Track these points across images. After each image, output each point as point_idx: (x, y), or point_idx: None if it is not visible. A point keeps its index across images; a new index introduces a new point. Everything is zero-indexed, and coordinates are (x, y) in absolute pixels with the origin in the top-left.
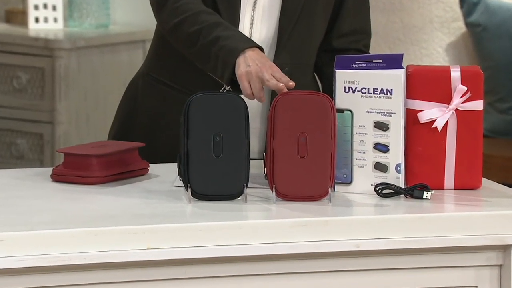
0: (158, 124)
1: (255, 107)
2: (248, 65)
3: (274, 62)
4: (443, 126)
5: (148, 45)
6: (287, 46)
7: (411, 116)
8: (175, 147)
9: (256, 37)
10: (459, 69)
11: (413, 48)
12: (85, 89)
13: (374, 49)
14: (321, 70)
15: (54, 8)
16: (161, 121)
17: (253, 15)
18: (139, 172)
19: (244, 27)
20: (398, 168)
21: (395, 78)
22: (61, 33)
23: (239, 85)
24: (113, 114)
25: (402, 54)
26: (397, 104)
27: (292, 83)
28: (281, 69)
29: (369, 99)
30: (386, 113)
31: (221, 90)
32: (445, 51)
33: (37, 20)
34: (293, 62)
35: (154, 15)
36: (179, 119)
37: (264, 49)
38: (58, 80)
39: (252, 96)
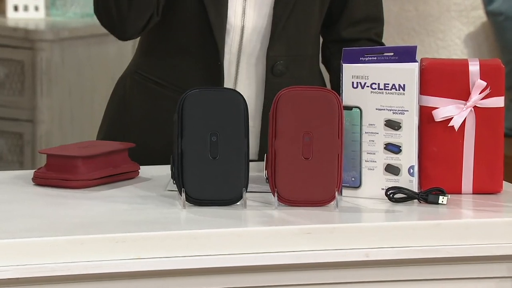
0: (148, 124)
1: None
2: None
3: (268, 55)
4: (461, 125)
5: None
6: (282, 36)
7: (425, 114)
8: (167, 148)
9: (249, 27)
10: (478, 63)
11: (428, 39)
12: (69, 84)
13: (385, 41)
14: (330, 62)
15: None
16: (152, 121)
17: (245, 2)
18: (129, 175)
19: (235, 15)
20: (411, 171)
21: (408, 73)
22: (42, 22)
23: None
24: (100, 111)
25: (416, 46)
26: (410, 100)
27: None
28: (275, 62)
29: (379, 95)
30: (398, 110)
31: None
32: (463, 43)
33: (16, 8)
34: (289, 54)
35: None
36: (173, 118)
37: (257, 40)
38: (40, 75)
39: None
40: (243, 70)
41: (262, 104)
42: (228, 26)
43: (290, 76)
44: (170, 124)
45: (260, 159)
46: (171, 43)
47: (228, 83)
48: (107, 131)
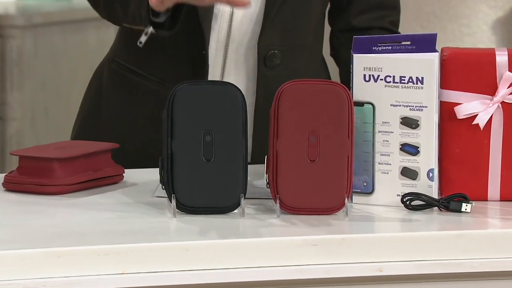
0: (126, 121)
1: None
2: None
3: (259, 44)
4: (486, 123)
5: None
6: (275, 22)
7: (446, 110)
8: (146, 148)
9: (238, 12)
10: (507, 52)
11: (451, 25)
12: (43, 76)
13: (402, 27)
14: (338, 53)
15: None
16: (130, 117)
17: None
18: (112, 180)
19: None
20: (431, 175)
21: (427, 64)
22: (12, 6)
23: (165, 25)
24: (78, 108)
25: (436, 34)
26: (429, 95)
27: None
28: (268, 52)
29: (394, 89)
30: (415, 107)
31: (143, 34)
32: (491, 30)
33: None
34: (284, 44)
35: None
36: (153, 113)
37: (248, 27)
38: (10, 66)
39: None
40: (232, 61)
41: (254, 100)
42: (215, 11)
43: (284, 68)
44: (151, 120)
45: (253, 162)
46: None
47: (213, 75)
48: (80, 128)
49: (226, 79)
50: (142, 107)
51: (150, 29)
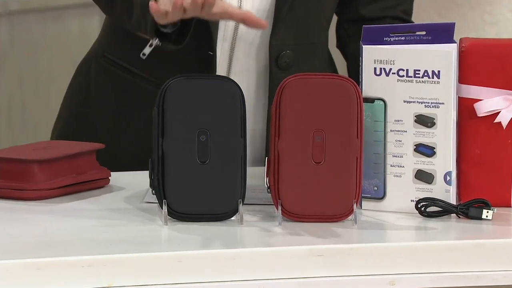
0: (116, 120)
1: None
2: None
3: (271, 43)
4: (510, 121)
5: None
6: (287, 20)
7: (465, 107)
8: (138, 151)
9: (247, 8)
10: None
11: (472, 13)
12: (20, 70)
13: (418, 16)
14: (346, 45)
15: None
16: (120, 117)
17: None
18: (97, 183)
19: None
20: (448, 178)
21: (444, 56)
22: None
23: (173, 37)
24: (58, 104)
25: (454, 23)
26: (446, 91)
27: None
28: (280, 52)
29: (408, 84)
30: (431, 103)
31: (148, 45)
32: None
33: None
34: (297, 42)
35: None
36: (146, 115)
37: None
38: None
39: (165, 14)
40: (238, 61)
41: (266, 104)
42: None
43: (297, 69)
44: (144, 122)
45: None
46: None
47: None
48: (64, 128)
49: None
50: (133, 107)
51: (156, 41)
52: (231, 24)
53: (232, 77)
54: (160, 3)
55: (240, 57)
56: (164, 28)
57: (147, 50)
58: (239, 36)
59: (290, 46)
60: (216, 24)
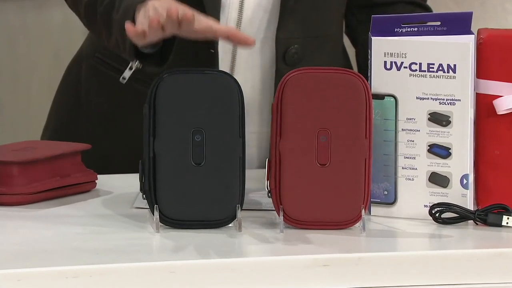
0: (109, 124)
1: (251, 102)
2: (147, 12)
3: (278, 37)
4: None
5: None
6: (295, 12)
7: (484, 104)
8: (132, 154)
9: (250, 1)
10: None
11: (492, 1)
12: None
13: (433, 4)
14: (356, 33)
15: None
16: (113, 121)
17: None
18: (82, 187)
19: None
20: (465, 181)
21: (461, 49)
22: None
23: (151, 59)
24: (39, 101)
25: (471, 13)
26: (463, 87)
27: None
28: (288, 47)
29: (421, 79)
30: (446, 100)
31: (128, 68)
32: None
33: None
34: (306, 36)
35: None
36: (138, 116)
37: (262, 18)
38: None
39: (143, 34)
40: (242, 58)
41: (271, 102)
42: (222, 0)
43: (306, 64)
44: (136, 124)
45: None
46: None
47: None
48: (57, 130)
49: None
50: (127, 109)
51: (136, 63)
52: (232, 18)
53: (236, 75)
54: (137, 23)
55: (243, 54)
56: (144, 49)
57: (127, 73)
58: (242, 31)
59: (298, 40)
60: (216, 20)
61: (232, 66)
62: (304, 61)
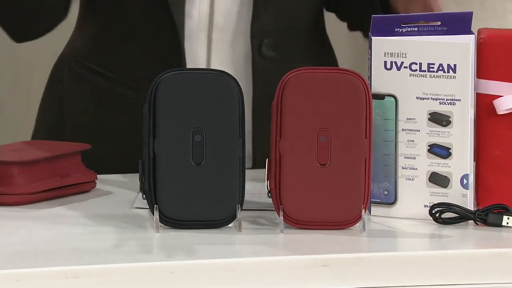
0: (95, 132)
1: None
2: None
3: (252, 29)
4: None
5: None
6: (268, 3)
7: (484, 104)
8: (120, 153)
9: None
10: None
11: (492, 1)
12: None
13: None
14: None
15: None
16: (99, 126)
17: None
18: (82, 187)
19: None
20: (465, 182)
21: (461, 49)
22: None
23: None
24: (39, 101)
25: (472, 13)
26: (463, 86)
27: None
28: (263, 39)
29: (421, 79)
30: (447, 100)
31: None
32: None
33: None
34: (280, 27)
35: None
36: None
37: (233, 9)
38: None
39: None
40: (218, 52)
41: (250, 97)
42: None
43: (282, 55)
44: (123, 128)
45: (255, 167)
46: (116, 18)
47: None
48: (42, 136)
49: None
50: (111, 115)
51: None
52: (205, 11)
53: (212, 68)
54: None
55: (219, 48)
56: None
57: None
58: (215, 24)
59: (273, 32)
60: (181, 14)
61: (208, 60)
62: (280, 52)
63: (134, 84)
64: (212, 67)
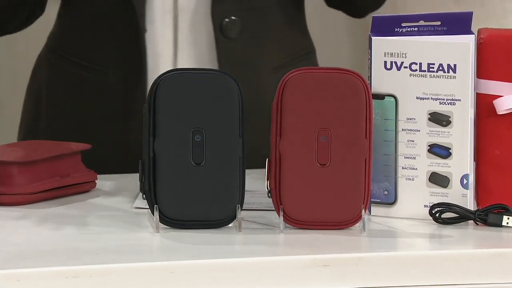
0: (72, 126)
1: None
2: None
3: (213, 11)
4: None
5: None
6: None
7: (484, 104)
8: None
9: None
10: None
11: (491, 1)
12: None
13: (433, 4)
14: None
15: None
16: (76, 120)
17: None
18: (82, 187)
19: None
20: (465, 182)
21: (461, 49)
22: None
23: None
24: None
25: (472, 13)
26: (463, 86)
27: None
28: (223, 19)
29: (421, 79)
30: (447, 100)
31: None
32: None
33: None
34: (242, 8)
35: None
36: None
37: None
38: None
39: None
40: (184, 34)
41: None
42: None
43: (247, 36)
44: (94, 117)
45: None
46: (85, 4)
47: (163, 52)
48: (24, 135)
49: (180, 56)
50: (87, 103)
51: None
52: None
53: (180, 52)
54: None
55: (185, 29)
56: None
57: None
58: (180, 5)
59: (235, 13)
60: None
61: (176, 43)
62: (243, 33)
63: (101, 69)
64: (180, 50)
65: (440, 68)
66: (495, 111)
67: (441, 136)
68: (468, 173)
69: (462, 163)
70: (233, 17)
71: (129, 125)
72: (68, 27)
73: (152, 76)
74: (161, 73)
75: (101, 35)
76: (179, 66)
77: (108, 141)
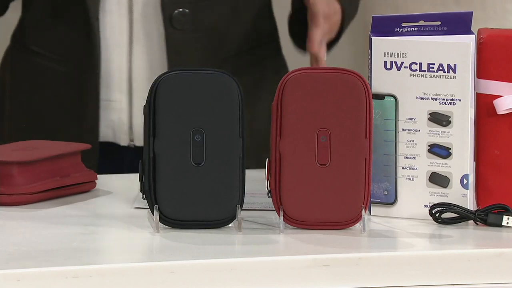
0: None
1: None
2: None
3: (163, 2)
4: None
5: None
6: None
7: (484, 104)
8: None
9: None
10: None
11: (492, 1)
12: None
13: (433, 3)
14: None
15: None
16: (36, 113)
17: None
18: (83, 187)
19: None
20: (465, 182)
21: (461, 49)
22: None
23: None
24: None
25: (472, 13)
26: (463, 86)
27: None
28: (173, 10)
29: (421, 79)
30: (447, 100)
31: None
32: None
33: None
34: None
35: None
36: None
37: None
38: None
39: None
40: (138, 26)
41: (166, 69)
42: None
43: (196, 27)
44: (58, 109)
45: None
46: None
47: (119, 43)
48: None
49: (135, 48)
50: (51, 93)
51: None
52: None
53: (135, 44)
54: None
55: (139, 20)
56: None
57: None
58: None
59: (185, 4)
60: None
61: (131, 35)
62: (193, 25)
63: (60, 58)
64: (135, 41)
65: (440, 68)
66: (495, 111)
67: (441, 136)
68: (468, 173)
69: (462, 163)
70: (181, 9)
71: (84, 113)
72: (29, 17)
73: (105, 65)
74: (114, 63)
75: (59, 25)
76: (134, 57)
77: (62, 130)
